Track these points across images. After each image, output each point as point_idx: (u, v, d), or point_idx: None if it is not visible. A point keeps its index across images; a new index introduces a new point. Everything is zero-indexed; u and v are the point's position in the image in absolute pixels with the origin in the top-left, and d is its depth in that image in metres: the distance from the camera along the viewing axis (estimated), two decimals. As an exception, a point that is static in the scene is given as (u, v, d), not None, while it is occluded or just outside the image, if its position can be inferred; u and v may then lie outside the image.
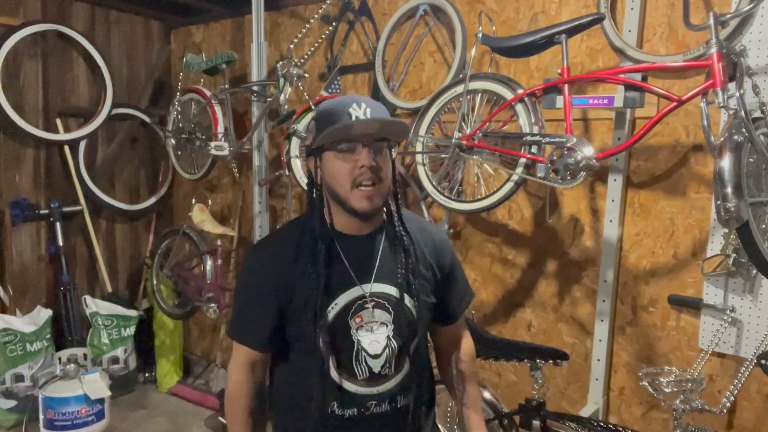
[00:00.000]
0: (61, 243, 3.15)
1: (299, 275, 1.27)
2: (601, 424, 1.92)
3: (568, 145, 1.79)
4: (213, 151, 2.86)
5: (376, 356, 1.29)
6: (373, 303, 1.29)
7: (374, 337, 1.29)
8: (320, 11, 2.72)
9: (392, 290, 1.30)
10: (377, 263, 1.30)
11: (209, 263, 2.96)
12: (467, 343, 1.50)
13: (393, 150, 1.30)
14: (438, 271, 1.38)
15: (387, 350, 1.30)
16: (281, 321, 1.31)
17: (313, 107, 2.51)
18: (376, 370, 1.29)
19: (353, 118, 1.20)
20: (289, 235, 1.33)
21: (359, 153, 1.21)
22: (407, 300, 1.30)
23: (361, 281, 1.29)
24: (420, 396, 1.36)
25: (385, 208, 1.32)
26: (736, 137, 1.48)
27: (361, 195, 1.22)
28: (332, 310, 1.27)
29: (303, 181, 2.60)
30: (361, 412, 1.30)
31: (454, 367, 1.48)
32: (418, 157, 2.25)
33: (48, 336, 3.01)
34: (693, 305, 2.01)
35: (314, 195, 1.31)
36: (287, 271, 1.29)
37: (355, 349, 1.29)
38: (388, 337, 1.30)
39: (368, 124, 1.21)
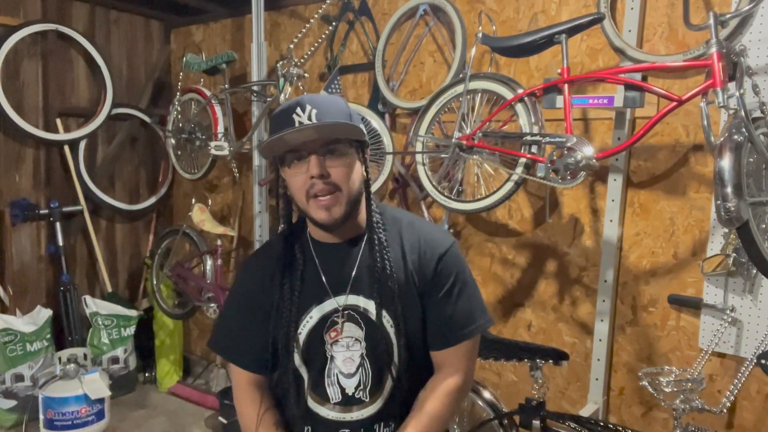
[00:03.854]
0: (61, 243, 3.15)
1: (277, 288, 1.21)
2: (601, 423, 1.92)
3: (568, 144, 1.79)
4: (213, 151, 2.86)
5: (349, 375, 1.19)
6: (344, 317, 1.18)
7: (349, 354, 1.19)
8: (320, 11, 2.72)
9: (366, 303, 1.19)
10: (354, 272, 1.20)
11: (209, 263, 2.96)
12: (448, 382, 1.21)
13: (361, 146, 1.17)
14: (417, 279, 1.20)
15: (360, 371, 1.18)
16: (268, 338, 1.24)
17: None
18: (349, 392, 1.19)
19: (296, 124, 1.09)
20: (276, 246, 1.27)
21: (308, 162, 1.11)
22: (384, 314, 1.17)
23: (335, 293, 1.19)
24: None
25: (368, 212, 1.21)
26: (736, 137, 1.48)
27: (317, 205, 1.12)
28: (307, 324, 1.20)
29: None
30: None
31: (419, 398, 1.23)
32: (418, 157, 2.25)
33: (48, 336, 3.01)
34: (693, 305, 2.01)
35: (286, 207, 1.23)
36: (269, 284, 1.23)
37: (328, 366, 1.19)
38: (361, 355, 1.19)
39: (301, 133, 1.08)
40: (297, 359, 1.21)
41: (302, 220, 1.25)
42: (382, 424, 1.21)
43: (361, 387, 1.19)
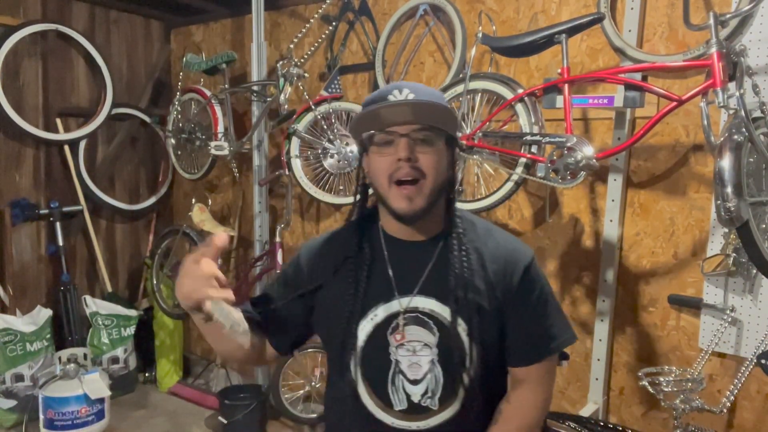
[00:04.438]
0: (61, 243, 3.15)
1: (339, 280, 1.16)
2: (601, 423, 1.92)
3: (568, 144, 1.79)
4: (213, 151, 2.86)
5: (415, 382, 1.12)
6: (408, 320, 1.12)
7: (415, 360, 1.11)
8: (320, 11, 2.72)
9: (439, 307, 1.12)
10: (425, 275, 1.13)
11: (209, 263, 2.95)
12: (533, 398, 1.18)
13: (451, 142, 1.12)
14: (499, 289, 1.13)
15: (429, 377, 1.12)
16: (304, 328, 1.21)
17: (313, 107, 2.51)
18: (415, 399, 1.12)
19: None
20: (345, 235, 1.21)
21: (397, 144, 1.06)
22: (459, 322, 1.10)
23: (401, 293, 1.13)
24: None
25: (447, 213, 1.17)
26: (736, 137, 1.48)
27: (398, 194, 1.07)
28: (370, 322, 1.13)
29: (303, 180, 2.60)
30: None
31: (497, 411, 1.18)
32: (418, 157, 2.24)
33: (48, 336, 3.01)
34: (693, 305, 2.01)
35: (362, 197, 1.19)
36: (327, 273, 1.18)
37: (392, 370, 1.12)
38: (431, 361, 1.11)
39: (396, 109, 1.05)
40: (355, 358, 1.14)
41: (374, 211, 1.19)
42: None
43: (429, 395, 1.12)
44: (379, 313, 1.13)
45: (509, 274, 1.14)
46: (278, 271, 1.33)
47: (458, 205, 2.20)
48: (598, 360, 2.16)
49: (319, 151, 2.54)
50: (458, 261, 1.12)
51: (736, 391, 1.84)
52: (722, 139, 1.49)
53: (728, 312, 1.90)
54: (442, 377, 1.11)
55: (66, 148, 3.20)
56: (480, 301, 1.12)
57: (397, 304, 1.13)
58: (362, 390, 1.15)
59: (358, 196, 1.21)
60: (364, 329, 1.14)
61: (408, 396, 1.12)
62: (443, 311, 1.12)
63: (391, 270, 1.15)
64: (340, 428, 1.22)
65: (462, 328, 1.11)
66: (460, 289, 1.10)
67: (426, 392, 1.12)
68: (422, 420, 1.13)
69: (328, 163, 2.54)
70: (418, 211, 1.08)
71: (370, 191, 1.19)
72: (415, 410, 1.13)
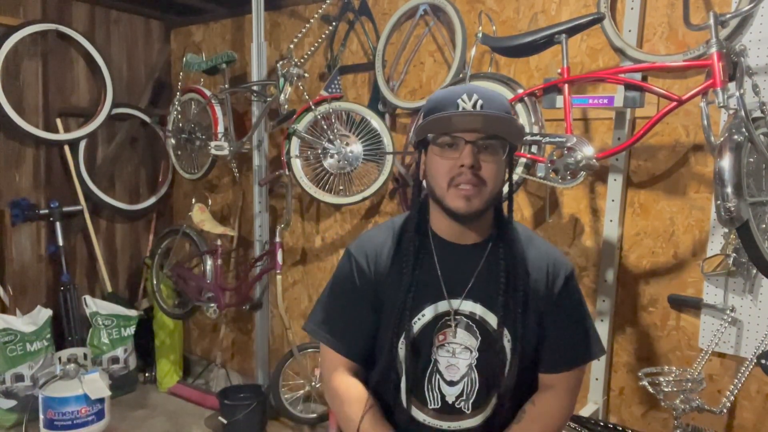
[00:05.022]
0: (61, 243, 3.15)
1: (393, 281, 1.17)
2: (601, 423, 1.92)
3: (568, 144, 1.79)
4: (213, 151, 2.86)
5: (451, 383, 1.15)
6: (457, 322, 1.14)
7: (454, 362, 1.14)
8: (320, 11, 2.72)
9: (485, 312, 1.14)
10: (473, 279, 1.15)
11: (209, 263, 2.96)
12: (560, 405, 1.20)
13: (511, 152, 1.14)
14: (541, 302, 1.17)
15: (465, 381, 1.14)
16: (373, 328, 1.21)
17: (313, 107, 2.51)
18: (449, 400, 1.15)
19: (460, 110, 1.07)
20: (389, 235, 1.22)
21: (461, 150, 1.07)
22: (505, 331, 1.13)
23: (450, 295, 1.15)
24: None
25: (495, 219, 1.18)
26: (736, 137, 1.48)
27: (457, 193, 1.08)
28: (418, 321, 1.15)
29: (303, 180, 2.60)
30: None
31: (523, 410, 1.21)
32: (418, 157, 2.25)
33: (48, 336, 3.01)
34: (693, 305, 2.01)
35: (416, 193, 1.19)
36: (383, 276, 1.19)
37: (430, 369, 1.15)
38: (470, 365, 1.14)
39: (469, 118, 1.06)
40: (401, 356, 1.16)
41: (418, 211, 1.19)
42: None
43: (464, 398, 1.15)
44: (427, 313, 1.15)
45: (550, 283, 1.17)
46: (329, 290, 1.26)
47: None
48: (598, 360, 2.16)
49: (319, 151, 2.54)
50: (505, 269, 1.14)
51: (736, 391, 1.84)
52: (722, 139, 1.50)
53: (728, 312, 1.90)
54: (477, 382, 1.14)
55: (66, 148, 3.20)
56: (525, 310, 1.14)
57: (445, 305, 1.15)
58: (402, 386, 1.17)
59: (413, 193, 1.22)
60: (414, 328, 1.15)
61: (443, 396, 1.15)
62: (489, 318, 1.14)
63: (440, 272, 1.16)
64: None
65: (507, 337, 1.13)
66: (509, 298, 1.13)
67: (461, 395, 1.15)
68: (454, 421, 1.16)
69: (328, 163, 2.54)
70: (474, 212, 1.10)
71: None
72: (448, 411, 1.15)
